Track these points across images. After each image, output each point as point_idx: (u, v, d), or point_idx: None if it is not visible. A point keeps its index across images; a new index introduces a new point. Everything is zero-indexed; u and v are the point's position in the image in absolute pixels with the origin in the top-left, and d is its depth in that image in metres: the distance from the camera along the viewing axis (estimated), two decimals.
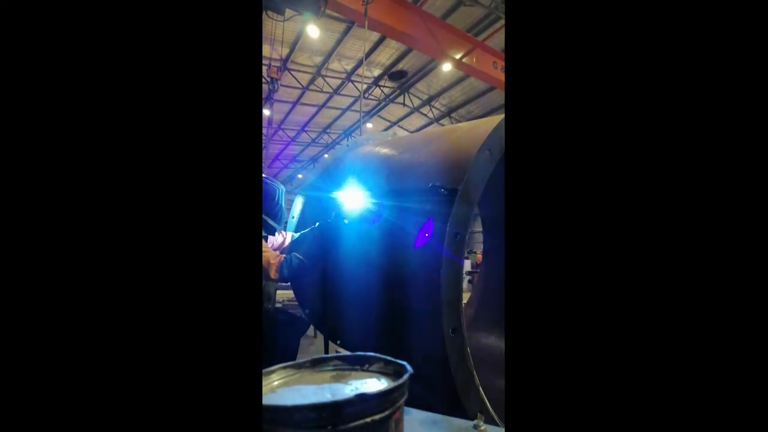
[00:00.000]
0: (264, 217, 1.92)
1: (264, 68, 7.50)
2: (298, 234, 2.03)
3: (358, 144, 2.17)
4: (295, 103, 11.85)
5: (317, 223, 1.72)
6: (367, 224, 1.52)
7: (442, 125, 11.93)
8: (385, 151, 1.87)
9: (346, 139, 13.60)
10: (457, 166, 1.27)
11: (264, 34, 7.22)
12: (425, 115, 12.26)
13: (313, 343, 4.24)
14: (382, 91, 11.41)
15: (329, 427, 0.49)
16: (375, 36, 8.19)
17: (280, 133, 13.88)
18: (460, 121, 11.65)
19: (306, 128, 13.87)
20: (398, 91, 11.40)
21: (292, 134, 14.33)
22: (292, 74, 10.20)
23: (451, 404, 1.14)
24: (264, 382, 0.64)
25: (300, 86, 10.76)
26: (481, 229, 2.52)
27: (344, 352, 0.76)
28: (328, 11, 5.74)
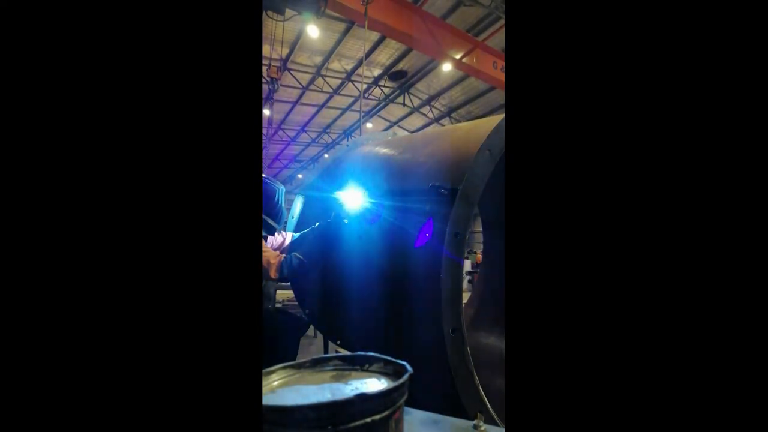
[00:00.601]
0: (264, 217, 1.92)
1: (264, 68, 7.50)
2: (298, 234, 2.03)
3: (358, 144, 2.17)
4: (295, 103, 11.85)
5: (317, 223, 1.72)
6: (367, 224, 1.52)
7: (442, 125, 11.93)
8: (385, 151, 1.87)
9: (346, 139, 13.59)
10: (457, 166, 1.27)
11: (264, 34, 7.22)
12: (425, 115, 12.26)
13: (313, 343, 4.24)
14: (382, 91, 11.41)
15: (329, 427, 0.49)
16: (375, 36, 8.19)
17: (280, 133, 13.88)
18: (460, 121, 11.66)
19: (306, 128, 13.87)
20: (398, 91, 11.40)
21: (292, 134, 14.33)
22: (292, 74, 10.20)
23: (451, 404, 1.13)
24: (264, 382, 0.64)
25: (300, 86, 10.76)
26: (481, 229, 2.52)
27: (344, 352, 0.76)
28: (328, 11, 5.74)
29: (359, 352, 0.72)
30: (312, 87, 10.92)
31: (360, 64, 8.39)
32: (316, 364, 0.72)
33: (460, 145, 1.39)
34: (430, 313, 1.16)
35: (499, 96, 10.54)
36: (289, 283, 2.19)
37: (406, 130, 11.85)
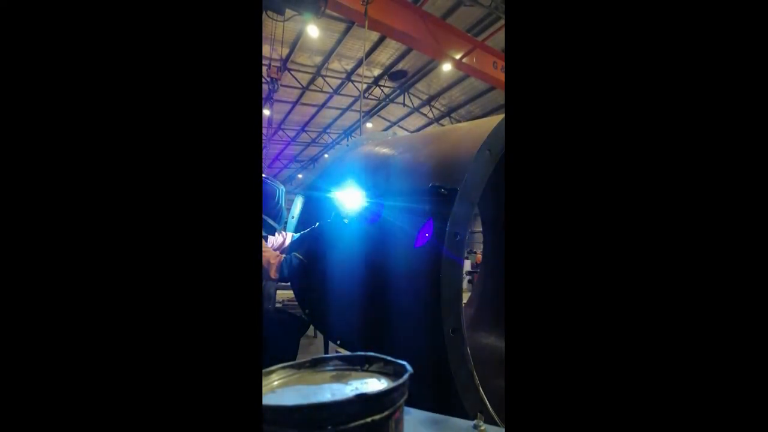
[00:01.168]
0: (264, 217, 1.92)
1: (264, 68, 7.50)
2: (298, 234, 2.03)
3: (358, 144, 2.17)
4: (295, 103, 11.85)
5: (317, 223, 1.72)
6: (367, 224, 1.52)
7: (442, 125, 11.93)
8: (385, 151, 1.87)
9: (346, 139, 13.59)
10: (457, 166, 1.27)
11: (264, 34, 7.22)
12: (425, 115, 12.26)
13: (313, 343, 4.24)
14: (382, 91, 11.41)
15: (329, 427, 0.49)
16: (375, 36, 8.19)
17: (280, 133, 13.88)
18: (460, 121, 11.66)
19: (306, 128, 13.87)
20: (398, 91, 11.40)
21: (292, 134, 14.33)
22: (292, 74, 10.20)
23: (451, 404, 1.13)
24: (264, 382, 0.64)
25: (300, 86, 10.76)
26: (481, 229, 2.52)
27: (344, 352, 0.76)
28: (328, 11, 5.74)
29: (359, 352, 0.72)
30: (312, 87, 10.92)
31: (360, 64, 8.39)
32: (316, 364, 0.72)
33: (460, 145, 1.39)
34: (430, 313, 1.16)
35: (499, 96, 10.54)
36: (289, 283, 2.19)
37: (406, 130, 11.85)
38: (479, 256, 9.28)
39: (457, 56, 7.14)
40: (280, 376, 0.68)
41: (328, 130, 14.15)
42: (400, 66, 10.15)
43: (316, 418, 0.50)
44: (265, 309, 2.03)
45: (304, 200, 2.22)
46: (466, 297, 1.94)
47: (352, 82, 10.63)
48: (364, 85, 10.48)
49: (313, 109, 12.39)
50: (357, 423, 0.51)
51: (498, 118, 1.34)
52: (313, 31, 7.92)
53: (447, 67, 8.09)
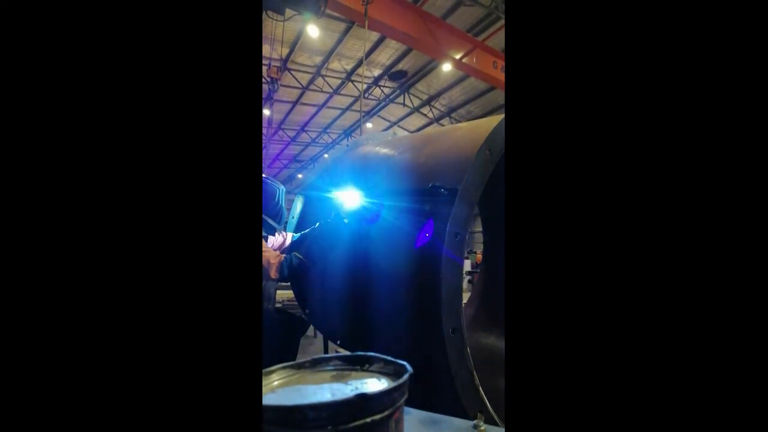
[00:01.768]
0: (264, 217, 1.92)
1: (264, 68, 7.50)
2: (298, 234, 2.03)
3: (358, 144, 2.17)
4: (295, 103, 11.85)
5: (317, 223, 1.72)
6: (367, 224, 1.52)
7: (442, 125, 11.93)
8: (385, 151, 1.87)
9: (346, 139, 13.60)
10: (457, 166, 1.27)
11: (264, 34, 7.22)
12: (425, 115, 12.26)
13: (313, 343, 4.24)
14: (382, 91, 11.41)
15: (329, 427, 0.49)
16: (375, 36, 8.19)
17: (280, 133, 13.88)
18: (460, 121, 11.66)
19: (306, 128, 13.87)
20: (398, 91, 11.40)
21: (292, 134, 14.33)
22: (292, 74, 10.20)
23: (451, 404, 1.13)
24: (264, 382, 0.64)
25: (300, 86, 10.76)
26: (481, 229, 2.52)
27: (344, 352, 0.76)
28: (328, 11, 5.74)
29: (359, 352, 0.72)
30: (312, 87, 10.92)
31: (360, 64, 8.39)
32: (316, 364, 0.72)
33: (460, 145, 1.39)
34: (430, 313, 1.16)
35: (499, 96, 10.55)
36: (289, 283, 2.19)
37: (406, 130, 11.84)
38: (479, 256, 9.28)
39: (457, 56, 7.14)
40: (280, 376, 0.68)
41: (328, 130, 14.15)
42: (400, 66, 10.15)
43: (316, 418, 0.50)
44: (265, 309, 2.03)
45: (304, 200, 2.22)
46: (466, 297, 1.94)
47: (352, 82, 10.63)
48: (364, 85, 10.48)
49: (313, 109, 12.39)
50: (357, 423, 0.51)
51: (498, 118, 1.34)
52: (313, 31, 7.92)
53: (447, 67, 8.09)
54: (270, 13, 5.23)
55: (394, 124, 12.97)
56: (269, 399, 0.59)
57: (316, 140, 14.84)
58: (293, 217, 2.23)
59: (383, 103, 11.92)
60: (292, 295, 3.34)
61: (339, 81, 10.77)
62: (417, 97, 11.73)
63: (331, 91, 11.09)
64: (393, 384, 0.56)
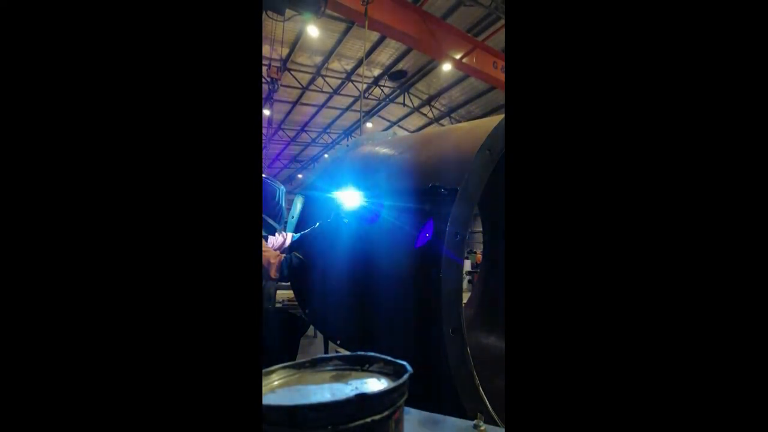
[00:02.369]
0: (264, 217, 1.92)
1: (264, 68, 7.50)
2: (298, 234, 2.03)
3: (358, 144, 2.17)
4: (295, 103, 11.86)
5: (317, 223, 1.72)
6: (366, 224, 1.52)
7: (442, 125, 11.93)
8: (385, 151, 1.87)
9: (346, 139, 13.60)
10: (457, 166, 1.27)
11: (264, 34, 7.22)
12: (425, 115, 12.26)
13: (313, 343, 4.24)
14: (382, 91, 11.41)
15: (329, 427, 0.49)
16: (375, 36, 8.20)
17: (280, 133, 13.88)
18: (460, 121, 11.66)
19: (306, 128, 13.87)
20: (398, 91, 11.40)
21: (292, 134, 14.33)
22: (292, 74, 10.20)
23: (451, 404, 1.13)
24: (264, 382, 0.64)
25: (300, 86, 10.76)
26: (481, 229, 2.52)
27: (344, 352, 0.76)
28: (328, 11, 5.75)
29: (359, 352, 0.72)
30: (312, 87, 10.92)
31: (360, 64, 8.39)
32: (316, 364, 0.72)
33: (460, 145, 1.39)
34: (430, 313, 1.16)
35: (499, 96, 10.55)
36: (289, 283, 2.19)
37: (406, 130, 11.85)
38: (479, 256, 9.28)
39: (457, 56, 7.15)
40: (280, 376, 0.68)
41: (328, 130, 14.16)
42: (400, 66, 10.15)
43: (316, 418, 0.50)
44: (265, 309, 2.03)
45: (304, 200, 2.22)
46: (466, 297, 1.94)
47: (352, 82, 10.63)
48: (364, 85, 10.48)
49: (313, 109, 12.39)
50: (357, 423, 0.51)
51: (498, 118, 1.34)
52: (313, 31, 7.92)
53: (447, 67, 8.10)
54: (270, 13, 5.23)
55: (394, 124, 12.97)
56: (269, 399, 0.59)
57: (316, 140, 14.85)
58: (293, 217, 2.23)
59: (383, 103, 11.92)
60: (292, 295, 3.33)
61: (339, 81, 10.77)
62: (417, 97, 11.73)
63: (331, 91, 11.09)
64: (393, 384, 0.56)
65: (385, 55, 9.68)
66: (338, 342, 1.89)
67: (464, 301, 1.31)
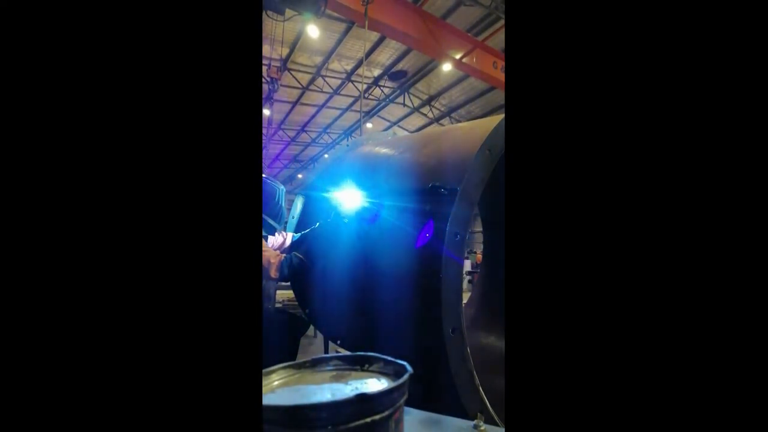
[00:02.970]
0: (264, 217, 1.92)
1: (264, 68, 7.49)
2: (298, 234, 2.03)
3: (358, 144, 2.17)
4: (295, 103, 11.85)
5: (317, 223, 1.72)
6: (366, 224, 1.52)
7: (442, 125, 11.93)
8: (385, 151, 1.87)
9: (346, 139, 13.59)
10: (457, 166, 1.27)
11: (264, 34, 7.21)
12: (425, 115, 12.25)
13: (313, 343, 4.24)
14: (382, 91, 11.40)
15: (329, 427, 0.49)
16: (375, 36, 8.19)
17: (280, 133, 13.88)
18: (460, 121, 11.66)
19: (306, 128, 13.87)
20: (398, 91, 11.40)
21: (292, 134, 14.33)
22: (292, 74, 10.20)
23: (451, 404, 1.13)
24: (264, 382, 0.64)
25: (300, 86, 10.75)
26: (481, 229, 2.52)
27: (344, 352, 0.76)
28: (328, 11, 5.74)
29: (359, 352, 0.72)
30: (312, 87, 10.91)
31: (360, 64, 8.39)
32: (316, 364, 0.72)
33: (460, 145, 1.39)
34: (430, 313, 1.16)
35: (499, 96, 10.54)
36: (289, 283, 2.19)
37: (406, 130, 11.84)
38: (479, 256, 9.28)
39: (457, 56, 7.14)
40: (280, 376, 0.68)
41: (328, 130, 14.15)
42: (400, 66, 10.14)
43: (316, 418, 0.50)
44: (265, 309, 2.03)
45: (304, 200, 2.22)
46: (466, 297, 1.94)
47: (352, 82, 10.63)
48: (364, 85, 10.48)
49: (313, 109, 12.39)
50: (357, 423, 0.51)
51: (498, 118, 1.34)
52: (313, 31, 7.92)
53: (447, 67, 8.08)
54: (270, 13, 5.23)
55: (394, 124, 12.96)
56: (269, 399, 0.59)
57: (316, 140, 14.84)
58: (293, 217, 2.23)
59: (383, 103, 11.91)
60: (292, 295, 3.34)
61: (339, 81, 10.76)
62: (417, 97, 11.73)
63: (331, 91, 11.08)
64: (393, 384, 0.56)
65: (385, 55, 9.67)
66: (338, 342, 1.88)
67: (464, 301, 1.31)
